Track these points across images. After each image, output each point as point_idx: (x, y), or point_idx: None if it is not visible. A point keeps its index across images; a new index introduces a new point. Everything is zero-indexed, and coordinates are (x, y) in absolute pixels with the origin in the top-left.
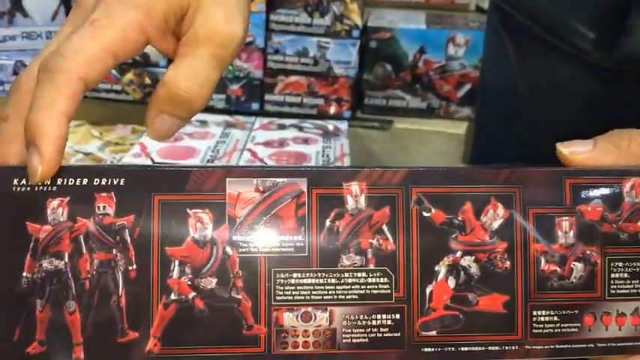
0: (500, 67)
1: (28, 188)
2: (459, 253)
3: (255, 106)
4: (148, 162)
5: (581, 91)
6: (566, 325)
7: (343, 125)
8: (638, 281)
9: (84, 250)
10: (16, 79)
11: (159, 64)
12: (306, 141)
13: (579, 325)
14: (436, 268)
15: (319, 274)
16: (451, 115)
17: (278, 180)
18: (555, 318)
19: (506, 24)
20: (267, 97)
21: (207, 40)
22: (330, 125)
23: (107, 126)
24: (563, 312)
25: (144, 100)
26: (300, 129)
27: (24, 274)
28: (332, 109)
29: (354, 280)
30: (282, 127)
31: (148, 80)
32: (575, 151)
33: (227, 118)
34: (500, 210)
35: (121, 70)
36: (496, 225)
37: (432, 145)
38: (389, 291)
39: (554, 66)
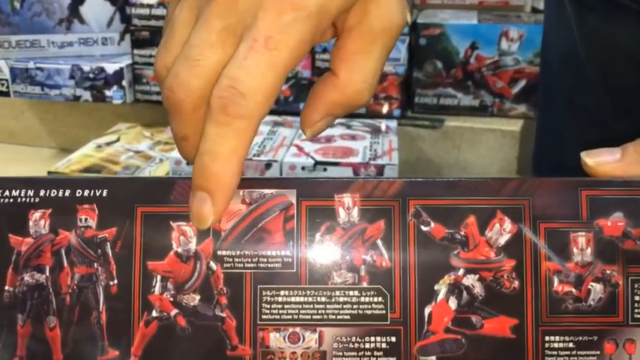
0: (560, 29)
1: (11, 200)
2: (461, 271)
3: (302, 105)
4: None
5: None
6: (583, 352)
7: (393, 124)
8: None
9: (65, 264)
10: (171, 95)
11: None
12: (353, 137)
13: (599, 352)
14: (436, 288)
15: (308, 292)
16: (505, 112)
17: (266, 191)
18: (571, 344)
19: None
20: None
21: (384, 33)
22: (381, 124)
23: (158, 127)
24: (580, 338)
25: None
26: (349, 127)
27: (6, 287)
28: (384, 109)
29: (345, 299)
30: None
31: None
32: (600, 161)
33: (275, 117)
34: (508, 224)
35: None
36: (503, 241)
37: (485, 143)
38: (384, 311)
39: (614, 26)
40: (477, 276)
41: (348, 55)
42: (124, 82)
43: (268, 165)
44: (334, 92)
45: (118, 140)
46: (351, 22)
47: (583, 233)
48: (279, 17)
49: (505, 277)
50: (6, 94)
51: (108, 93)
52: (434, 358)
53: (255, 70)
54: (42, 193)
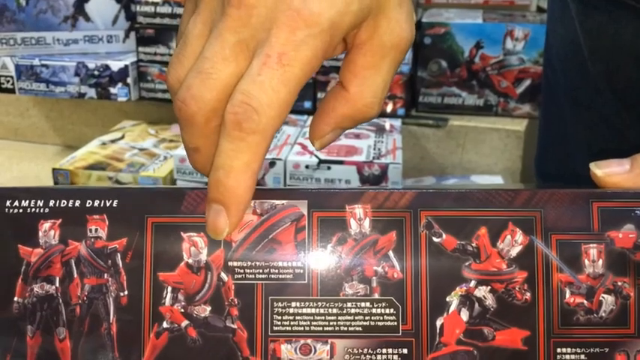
0: (563, 28)
1: (20, 210)
2: (472, 283)
3: (307, 104)
4: None
5: None
6: None
7: (397, 123)
8: None
9: (75, 275)
10: (183, 107)
11: None
12: (357, 136)
13: None
14: (447, 299)
15: (320, 304)
16: (510, 112)
17: (277, 202)
18: (582, 356)
19: None
20: (320, 95)
21: (394, 48)
22: (385, 123)
23: (163, 125)
24: (592, 350)
25: None
26: None
27: (15, 298)
28: (388, 108)
29: (357, 310)
30: None
31: None
32: (609, 172)
33: None
34: (519, 236)
35: None
36: (514, 252)
37: (490, 142)
38: (395, 323)
39: (618, 24)
40: (489, 287)
41: (359, 70)
42: (129, 80)
43: (272, 163)
44: (344, 106)
45: (122, 138)
46: (362, 37)
47: (594, 245)
48: (293, 33)
49: (517, 288)
50: (11, 91)
51: (113, 90)
52: None
53: (268, 85)
54: (52, 203)
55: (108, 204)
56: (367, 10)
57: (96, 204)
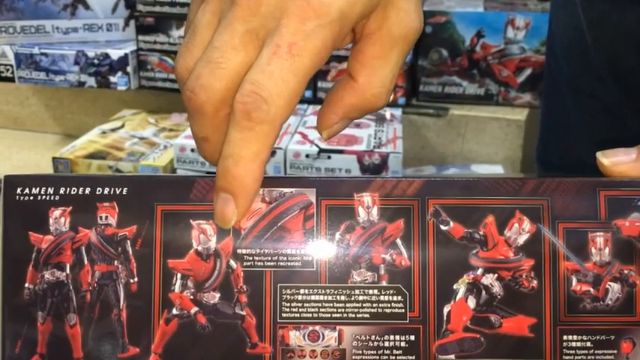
0: (566, 16)
1: (31, 197)
2: (480, 271)
3: (307, 93)
4: None
5: None
6: (600, 351)
7: (397, 112)
8: None
9: (85, 262)
10: (192, 97)
11: None
12: (358, 125)
13: (615, 352)
14: (455, 287)
15: (328, 291)
16: (511, 101)
17: (285, 190)
18: (588, 344)
19: None
20: (320, 84)
21: (402, 39)
22: (385, 112)
23: (163, 114)
24: (598, 337)
25: None
26: None
27: (26, 285)
28: None
29: (365, 297)
30: None
31: None
32: (616, 161)
33: None
34: (526, 224)
35: None
36: (521, 240)
37: (490, 132)
38: (403, 310)
39: (621, 12)
40: (496, 275)
41: (368, 60)
42: (129, 69)
43: (272, 152)
44: (352, 96)
45: (122, 126)
46: (372, 28)
47: (601, 233)
48: (303, 23)
49: (524, 276)
50: (11, 79)
51: (112, 79)
52: (453, 356)
53: (278, 75)
54: (62, 191)
55: (118, 192)
56: (376, 0)
57: (106, 192)
